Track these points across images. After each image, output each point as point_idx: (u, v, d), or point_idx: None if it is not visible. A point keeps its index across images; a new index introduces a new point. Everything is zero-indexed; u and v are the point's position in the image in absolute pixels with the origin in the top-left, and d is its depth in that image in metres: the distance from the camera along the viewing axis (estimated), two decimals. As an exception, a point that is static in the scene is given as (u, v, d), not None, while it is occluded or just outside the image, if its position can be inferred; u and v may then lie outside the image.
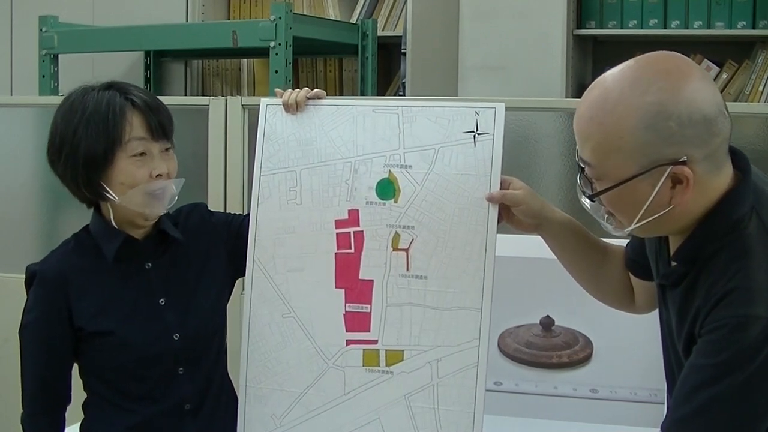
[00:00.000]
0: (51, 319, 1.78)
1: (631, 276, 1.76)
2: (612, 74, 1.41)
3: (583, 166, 1.45)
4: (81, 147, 1.71)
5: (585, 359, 2.26)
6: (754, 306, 1.34)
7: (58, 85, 3.84)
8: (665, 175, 1.36)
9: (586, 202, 1.49)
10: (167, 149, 1.77)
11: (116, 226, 1.79)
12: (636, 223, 1.42)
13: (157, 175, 1.74)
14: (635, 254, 1.70)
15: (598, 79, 1.43)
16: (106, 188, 1.73)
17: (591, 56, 4.09)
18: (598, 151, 1.40)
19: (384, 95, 4.09)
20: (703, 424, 1.37)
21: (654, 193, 1.38)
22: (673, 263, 1.50)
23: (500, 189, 1.77)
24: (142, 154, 1.73)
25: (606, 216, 1.48)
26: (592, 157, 1.41)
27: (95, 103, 1.73)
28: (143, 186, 1.73)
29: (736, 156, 1.45)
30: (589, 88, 1.44)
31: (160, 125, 1.74)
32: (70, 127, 1.73)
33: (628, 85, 1.38)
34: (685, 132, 1.35)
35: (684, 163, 1.35)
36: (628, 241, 1.73)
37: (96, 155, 1.71)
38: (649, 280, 1.66)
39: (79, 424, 1.89)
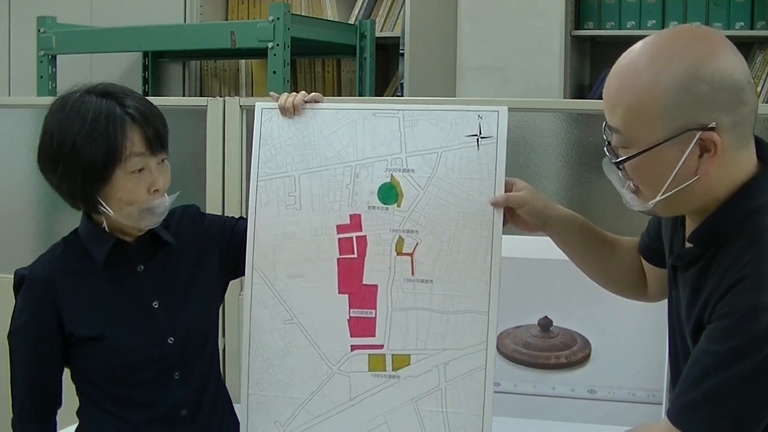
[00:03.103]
0: (39, 323, 1.76)
1: (645, 264, 1.76)
2: (642, 42, 1.42)
3: (609, 137, 1.44)
4: (79, 161, 1.67)
5: (583, 360, 2.26)
6: (765, 295, 1.33)
7: (56, 85, 3.84)
8: (694, 141, 1.36)
9: (612, 173, 1.48)
10: (163, 160, 1.75)
11: (109, 232, 1.78)
12: (661, 195, 1.41)
13: (154, 191, 1.72)
14: (651, 240, 1.70)
15: (628, 50, 1.44)
16: (103, 203, 1.71)
17: (589, 57, 4.09)
18: (629, 115, 1.39)
19: (382, 96, 4.09)
20: (709, 410, 1.37)
21: (682, 160, 1.37)
22: (688, 245, 1.49)
23: (504, 192, 1.77)
24: (140, 170, 1.70)
25: (630, 188, 1.47)
26: (621, 123, 1.40)
27: (94, 114, 1.68)
28: (141, 203, 1.71)
29: (761, 146, 1.45)
30: (619, 59, 1.44)
31: (158, 136, 1.71)
32: (68, 139, 1.68)
33: (660, 50, 1.39)
34: (716, 96, 1.35)
35: (713, 129, 1.35)
36: (644, 229, 1.73)
37: (95, 170, 1.67)
38: (664, 267, 1.65)
39: (69, 428, 1.88)
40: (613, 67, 1.44)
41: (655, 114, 1.37)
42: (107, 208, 1.71)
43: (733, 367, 1.34)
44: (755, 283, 1.34)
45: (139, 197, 1.71)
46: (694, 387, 1.38)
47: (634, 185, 1.46)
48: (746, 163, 1.42)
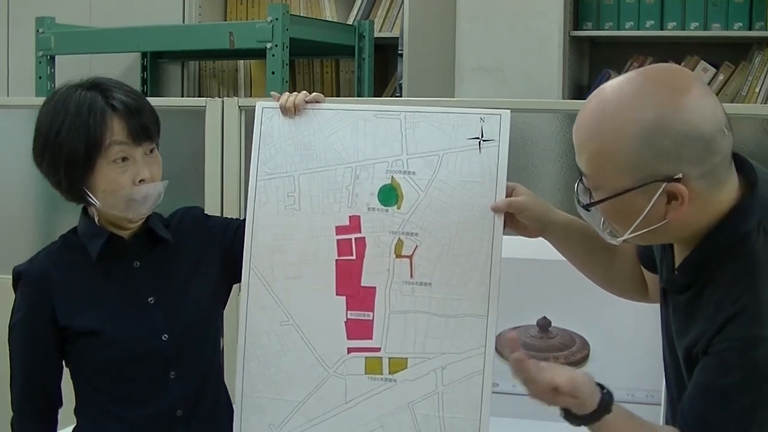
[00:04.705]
0: (36, 318, 1.77)
1: (643, 269, 1.75)
2: (611, 85, 1.41)
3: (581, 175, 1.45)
4: (63, 151, 1.69)
5: (582, 360, 2.26)
6: (763, 326, 1.33)
7: (54, 86, 3.83)
8: (660, 190, 1.36)
9: (582, 210, 1.49)
10: (152, 150, 1.75)
11: (101, 226, 1.78)
12: (630, 234, 1.42)
13: (140, 181, 1.72)
14: (645, 248, 1.69)
15: (597, 89, 1.43)
16: (88, 193, 1.72)
17: (588, 57, 4.09)
18: (593, 162, 1.40)
19: (381, 97, 4.09)
20: None
21: (648, 207, 1.37)
22: (675, 266, 1.49)
23: (505, 196, 1.77)
24: (124, 159, 1.70)
25: (602, 223, 1.48)
26: (587, 167, 1.42)
27: (77, 105, 1.70)
28: (125, 193, 1.71)
29: (744, 166, 1.44)
30: (588, 98, 1.43)
31: (142, 128, 1.71)
32: (53, 129, 1.71)
33: (627, 97, 1.37)
34: (681, 150, 1.34)
35: (679, 180, 1.34)
36: None
37: (77, 160, 1.69)
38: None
39: (69, 428, 1.88)
40: (583, 106, 1.43)
41: (619, 164, 1.37)
42: (93, 198, 1.72)
43: (736, 400, 1.34)
44: (752, 315, 1.34)
45: (122, 187, 1.71)
46: (697, 422, 1.39)
47: (605, 222, 1.47)
48: (725, 197, 1.41)
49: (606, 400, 1.48)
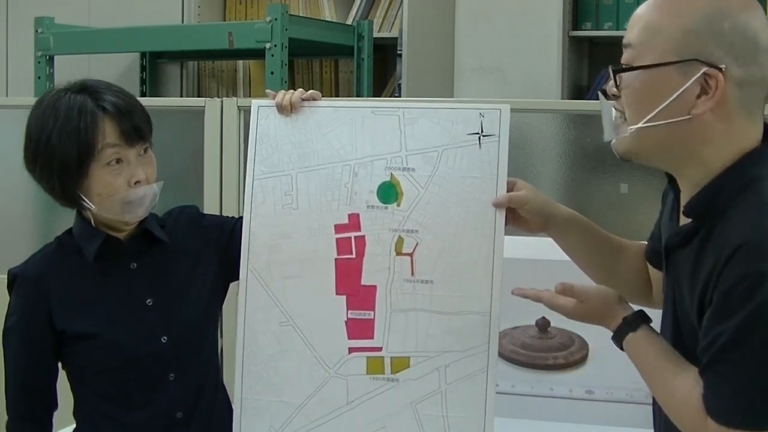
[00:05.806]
0: (32, 321, 1.76)
1: (651, 270, 1.74)
2: None
3: (617, 66, 1.45)
4: (55, 156, 1.68)
5: (581, 360, 2.26)
6: (766, 261, 1.31)
7: (53, 86, 3.82)
8: (698, 74, 1.37)
9: (604, 104, 1.48)
10: (145, 151, 1.74)
11: (96, 227, 1.77)
12: (644, 122, 1.41)
13: (135, 182, 1.71)
14: (654, 244, 1.67)
15: None
16: (83, 197, 1.71)
17: (587, 58, 4.09)
18: (647, 30, 1.41)
19: (380, 97, 4.09)
20: (732, 389, 1.34)
21: (680, 90, 1.38)
22: (683, 222, 1.47)
23: (505, 191, 1.75)
24: (118, 161, 1.70)
25: (615, 113, 1.46)
26: (638, 36, 1.42)
27: (67, 109, 1.68)
28: (121, 195, 1.70)
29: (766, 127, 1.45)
30: None
31: (135, 128, 1.71)
32: (43, 135, 1.69)
33: None
34: (734, 40, 1.36)
35: (720, 71, 1.36)
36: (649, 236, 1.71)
37: (69, 165, 1.67)
38: None
39: (67, 429, 1.87)
40: None
41: (671, 35, 1.38)
42: (88, 202, 1.71)
43: (747, 340, 1.31)
44: (755, 249, 1.31)
45: (117, 190, 1.70)
46: (711, 367, 1.35)
47: (621, 114, 1.45)
48: (750, 135, 1.41)
49: (630, 318, 1.54)
